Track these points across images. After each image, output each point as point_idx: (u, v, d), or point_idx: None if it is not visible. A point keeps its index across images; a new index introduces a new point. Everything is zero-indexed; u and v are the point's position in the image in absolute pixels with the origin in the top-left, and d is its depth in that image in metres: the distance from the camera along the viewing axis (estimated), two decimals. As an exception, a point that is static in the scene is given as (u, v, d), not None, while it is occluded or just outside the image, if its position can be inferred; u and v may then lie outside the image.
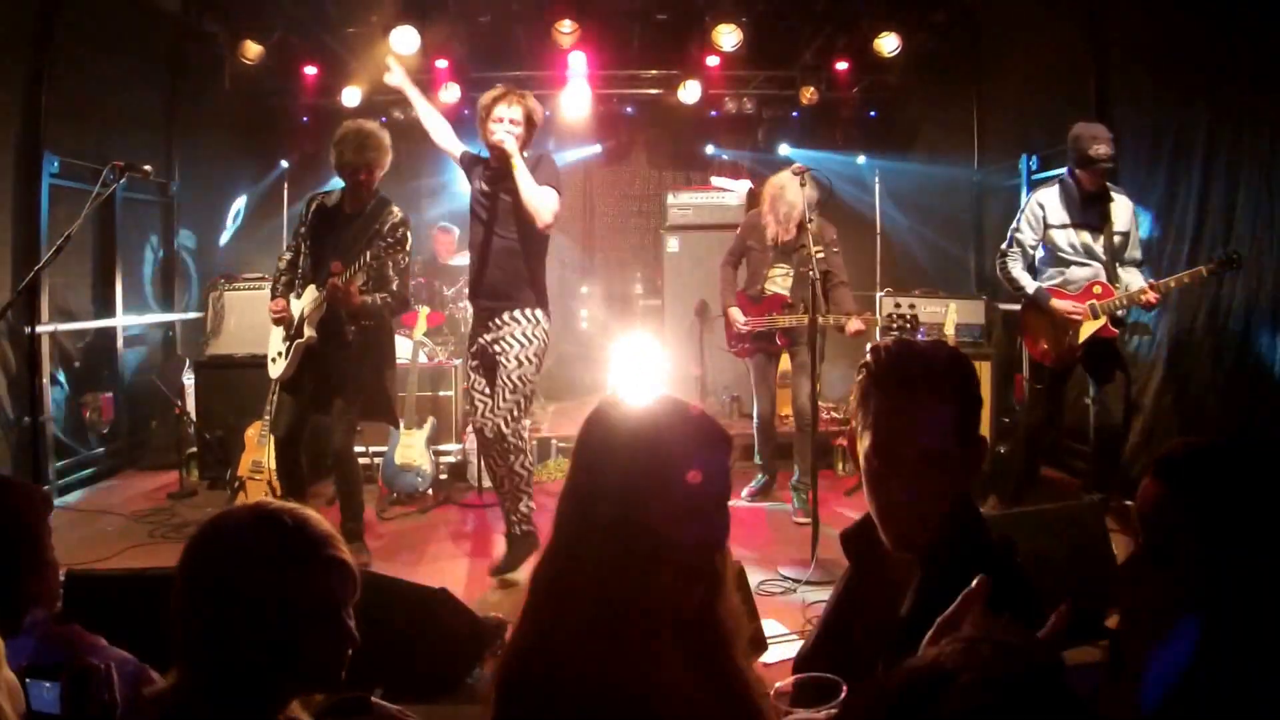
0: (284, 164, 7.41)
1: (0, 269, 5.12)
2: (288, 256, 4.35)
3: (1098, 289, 4.41)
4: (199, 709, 1.24)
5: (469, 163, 4.22)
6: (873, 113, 7.95)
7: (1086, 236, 4.45)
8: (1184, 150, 4.67)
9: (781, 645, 3.22)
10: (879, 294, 6.46)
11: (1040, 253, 4.61)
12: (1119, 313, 4.41)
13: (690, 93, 7.25)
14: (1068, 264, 4.50)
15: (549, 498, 4.34)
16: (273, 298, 4.31)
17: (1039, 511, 4.04)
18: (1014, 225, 4.67)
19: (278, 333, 4.30)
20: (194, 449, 5.68)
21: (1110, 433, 4.56)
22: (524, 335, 3.98)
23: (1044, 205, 4.52)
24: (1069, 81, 5.70)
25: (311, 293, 4.15)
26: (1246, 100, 4.18)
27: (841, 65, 7.06)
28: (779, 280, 5.02)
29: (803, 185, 4.50)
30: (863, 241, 8.14)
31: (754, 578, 3.39)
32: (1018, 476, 4.79)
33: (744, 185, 7.69)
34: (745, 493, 5.31)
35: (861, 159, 8.10)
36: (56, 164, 5.43)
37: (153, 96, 6.68)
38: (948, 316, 5.49)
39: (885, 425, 1.41)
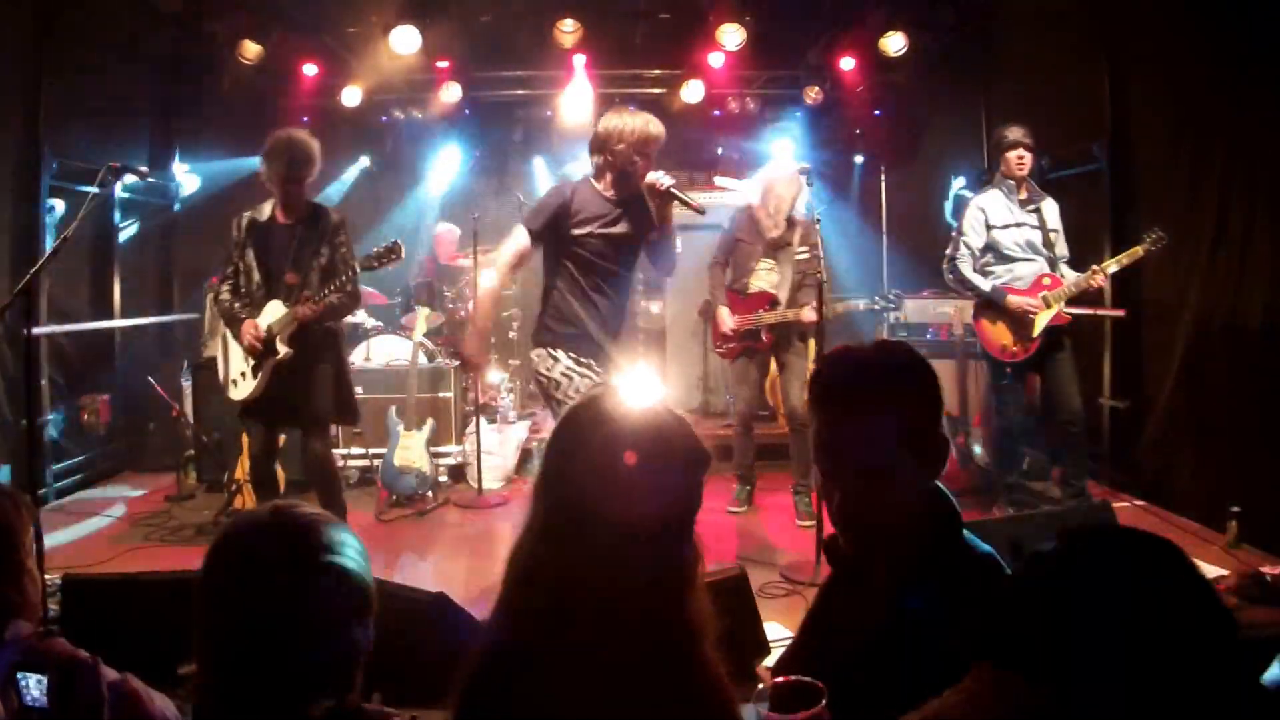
0: None
1: (-3, 270, 5.09)
2: (228, 287, 4.16)
3: (1046, 280, 4.59)
4: (215, 709, 1.24)
5: (560, 214, 3.60)
6: (878, 112, 7.88)
7: (1029, 233, 4.64)
8: (1203, 153, 4.60)
9: (784, 648, 3.16)
10: (887, 294, 6.38)
11: (983, 255, 4.73)
12: (1064, 301, 4.55)
13: (693, 92, 7.19)
14: (1014, 260, 4.66)
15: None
16: (236, 329, 4.14)
17: (1047, 513, 4.00)
18: (957, 230, 4.82)
19: (237, 354, 4.20)
20: (191, 451, 5.64)
21: (1070, 417, 4.60)
22: None
23: (985, 209, 4.69)
24: (1080, 83, 5.63)
25: (277, 307, 4.08)
26: (1265, 100, 4.11)
27: (847, 65, 6.96)
28: (764, 275, 4.97)
29: (800, 185, 4.49)
30: (869, 242, 8.11)
31: (756, 580, 3.34)
32: (996, 480, 4.87)
33: (748, 185, 7.63)
34: (729, 507, 5.13)
35: (859, 159, 8.05)
36: (56, 165, 5.40)
37: (152, 97, 6.65)
38: (956, 317, 5.46)
39: (821, 441, 1.46)
